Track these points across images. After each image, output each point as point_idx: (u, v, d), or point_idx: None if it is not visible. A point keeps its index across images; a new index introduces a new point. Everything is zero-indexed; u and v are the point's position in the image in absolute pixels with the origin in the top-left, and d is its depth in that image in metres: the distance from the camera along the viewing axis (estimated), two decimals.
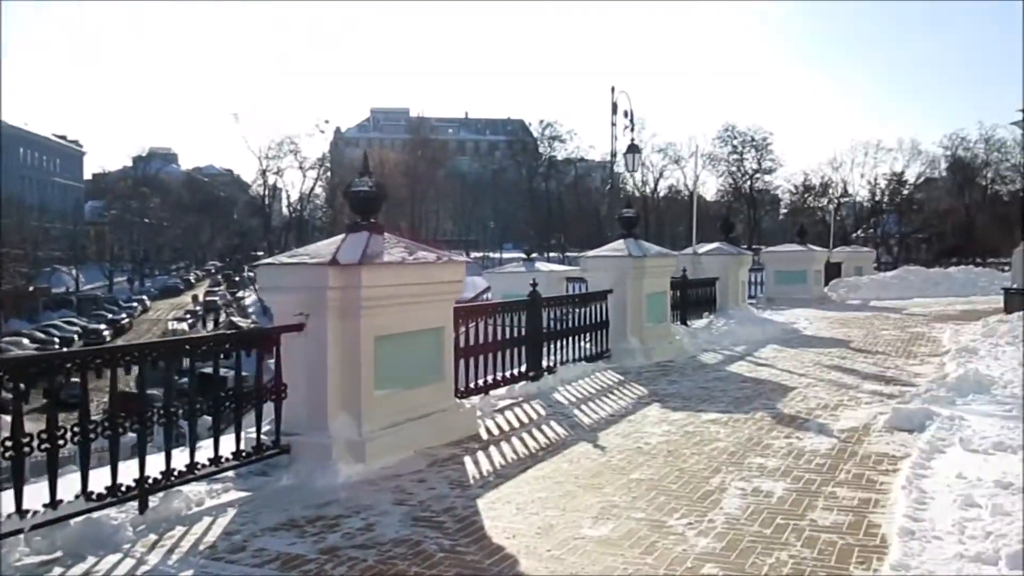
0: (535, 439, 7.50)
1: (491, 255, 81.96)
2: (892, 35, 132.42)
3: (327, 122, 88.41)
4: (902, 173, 75.18)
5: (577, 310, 11.51)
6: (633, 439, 7.37)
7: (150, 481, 5.31)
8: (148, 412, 5.31)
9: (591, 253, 13.47)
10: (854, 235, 62.70)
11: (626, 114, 21.15)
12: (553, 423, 8.16)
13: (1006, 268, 46.29)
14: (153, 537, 4.96)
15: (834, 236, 32.96)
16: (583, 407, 8.97)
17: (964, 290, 26.98)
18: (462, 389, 8.48)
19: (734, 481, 5.94)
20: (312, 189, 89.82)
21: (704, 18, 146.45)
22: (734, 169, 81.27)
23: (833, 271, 28.01)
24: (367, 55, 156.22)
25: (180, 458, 5.67)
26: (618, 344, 12.23)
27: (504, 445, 7.27)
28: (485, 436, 7.62)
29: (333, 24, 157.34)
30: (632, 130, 20.54)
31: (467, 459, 6.80)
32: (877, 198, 75.53)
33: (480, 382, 8.97)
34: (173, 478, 5.52)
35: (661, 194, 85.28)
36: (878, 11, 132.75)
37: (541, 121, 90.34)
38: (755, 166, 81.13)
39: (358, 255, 6.55)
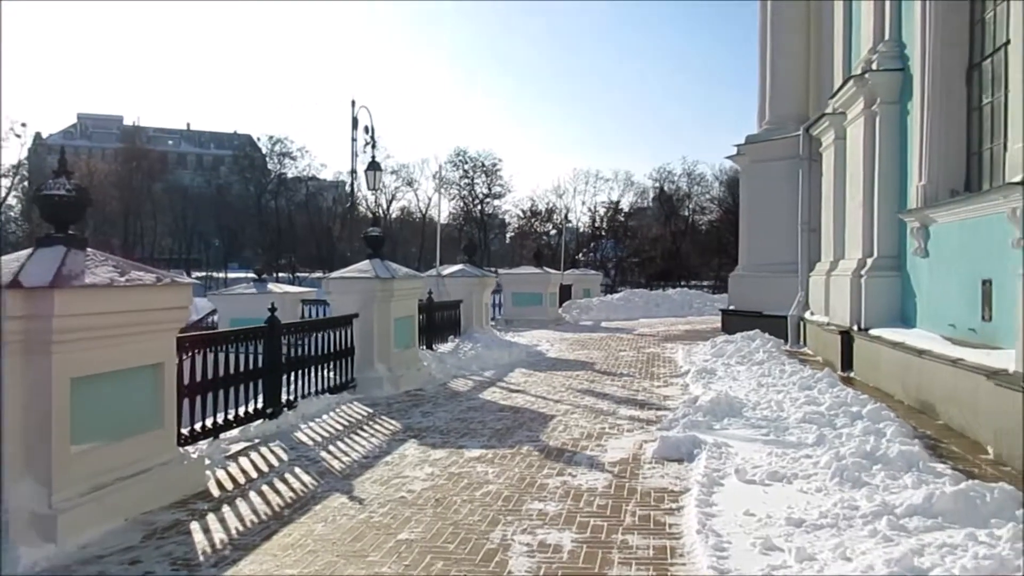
0: (279, 493, 6.38)
1: (215, 275, 77.18)
2: (612, 70, 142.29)
3: (24, 126, 78.45)
4: (618, 202, 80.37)
5: (320, 336, 10.46)
6: (394, 487, 6.47)
7: None
8: None
9: (335, 274, 12.39)
10: (577, 257, 66.06)
11: (367, 130, 20.23)
12: (298, 470, 7.07)
13: (707, 289, 51.09)
14: None
15: (563, 259, 34.11)
16: (332, 448, 7.95)
17: (682, 310, 29.03)
18: (186, 434, 7.20)
19: (516, 534, 5.23)
20: (5, 199, 79.54)
21: (432, 41, 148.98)
22: (465, 193, 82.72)
23: (564, 293, 28.94)
24: (74, 53, 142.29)
25: None
26: (364, 373, 11.33)
27: (241, 503, 6.09)
28: (216, 492, 6.39)
29: (33, 16, 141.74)
30: (373, 147, 19.62)
31: (194, 525, 5.57)
32: (596, 224, 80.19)
33: (208, 423, 7.72)
34: None
35: (394, 215, 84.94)
36: (599, 47, 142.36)
37: (271, 137, 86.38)
38: (485, 190, 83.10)
39: (50, 276, 5.17)
